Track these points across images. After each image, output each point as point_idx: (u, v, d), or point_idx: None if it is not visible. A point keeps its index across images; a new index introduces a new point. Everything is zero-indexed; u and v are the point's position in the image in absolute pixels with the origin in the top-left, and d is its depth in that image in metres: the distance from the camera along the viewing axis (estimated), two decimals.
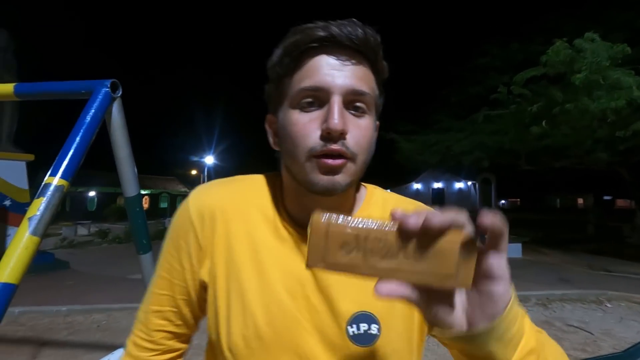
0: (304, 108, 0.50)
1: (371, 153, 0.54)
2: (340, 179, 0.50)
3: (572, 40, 6.15)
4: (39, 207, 0.97)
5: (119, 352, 1.33)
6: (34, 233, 0.95)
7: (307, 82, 0.49)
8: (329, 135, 0.48)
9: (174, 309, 0.57)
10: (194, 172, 44.00)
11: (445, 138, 11.07)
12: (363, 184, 0.64)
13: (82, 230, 14.21)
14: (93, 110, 1.17)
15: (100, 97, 1.20)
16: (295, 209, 0.56)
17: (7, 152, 6.43)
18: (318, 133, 0.49)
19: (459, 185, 37.12)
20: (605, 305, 4.64)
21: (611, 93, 6.01)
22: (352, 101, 0.50)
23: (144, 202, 34.18)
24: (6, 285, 0.88)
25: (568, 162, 10.61)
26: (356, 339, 0.52)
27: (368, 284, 0.45)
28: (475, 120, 9.41)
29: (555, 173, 13.43)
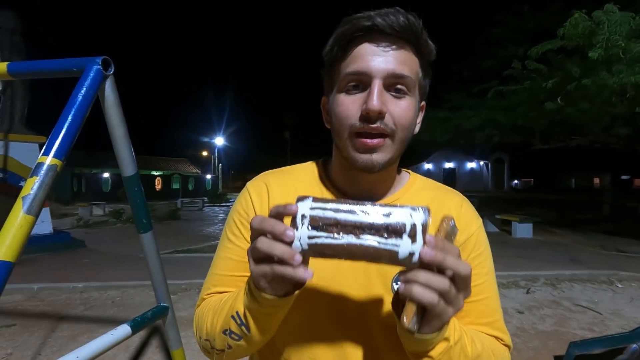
0: (349, 91, 0.56)
1: (412, 132, 0.59)
2: (378, 157, 0.56)
3: (592, 11, 5.81)
4: (32, 186, 0.98)
5: (122, 328, 1.37)
6: (28, 212, 0.95)
7: (352, 68, 0.55)
8: (367, 115, 0.53)
9: None
10: (204, 153, 44.48)
11: (456, 116, 10.80)
12: (407, 170, 0.71)
13: (97, 211, 14.60)
14: (84, 89, 1.15)
15: (91, 74, 1.18)
16: (341, 180, 0.65)
17: (19, 134, 6.55)
18: (358, 112, 0.54)
19: (470, 165, 36.55)
20: (616, 286, 4.58)
21: (632, 67, 5.71)
22: (392, 84, 0.54)
23: (157, 184, 34.85)
24: (3, 263, 0.89)
25: (584, 140, 10.28)
26: None
27: None
28: (487, 96, 9.13)
29: (570, 152, 13.07)
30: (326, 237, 0.40)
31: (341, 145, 0.58)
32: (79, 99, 1.13)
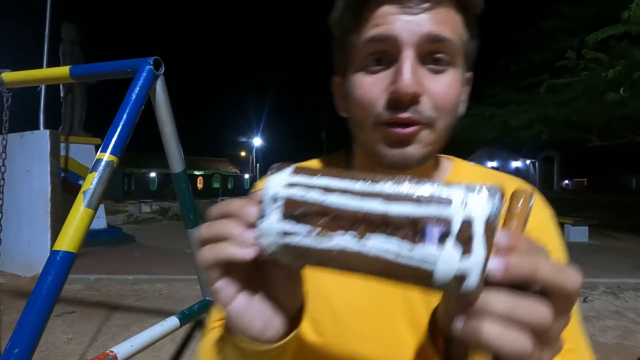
0: (369, 67, 0.41)
1: (457, 114, 0.44)
2: (413, 150, 0.41)
3: None
4: (92, 181, 1.03)
5: (171, 320, 1.42)
6: (88, 205, 1.00)
7: (370, 34, 0.40)
8: (397, 101, 0.39)
9: None
10: (243, 153, 45.93)
11: (502, 112, 10.22)
12: (446, 156, 0.55)
13: (145, 208, 15.53)
14: (138, 88, 1.20)
15: (144, 74, 1.23)
16: None
17: (78, 136, 7.12)
18: (384, 96, 0.40)
19: (516, 164, 34.55)
20: None
21: None
22: (430, 52, 0.40)
23: (198, 183, 36.48)
24: (66, 254, 0.95)
25: None
26: None
27: None
28: (538, 91, 8.52)
29: (630, 149, 11.89)
30: (306, 235, 0.25)
31: (363, 139, 0.45)
32: (133, 98, 1.18)
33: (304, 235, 0.25)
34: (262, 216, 0.27)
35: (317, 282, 0.46)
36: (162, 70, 1.31)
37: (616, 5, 6.04)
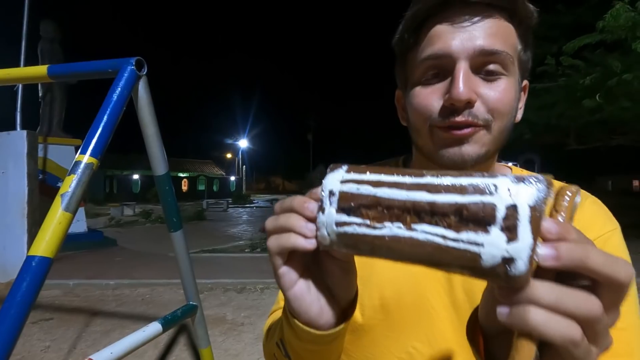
0: (427, 81, 0.45)
1: (512, 119, 0.46)
2: (469, 149, 0.43)
3: (635, 1, 5.46)
4: (70, 184, 1.00)
5: (154, 325, 1.39)
6: (66, 209, 0.97)
7: (427, 52, 0.44)
8: (452, 107, 0.42)
9: None
10: (229, 155, 45.49)
11: None
12: (508, 165, 0.58)
13: (127, 211, 15.18)
14: (119, 89, 1.17)
15: (125, 75, 1.20)
16: None
17: (57, 137, 6.91)
18: (439, 104, 0.44)
19: None
20: None
21: None
22: (482, 64, 0.43)
23: (183, 185, 35.90)
24: (42, 259, 0.91)
25: (626, 140, 9.69)
26: None
27: None
28: None
29: (607, 152, 12.34)
30: (359, 225, 0.27)
31: (421, 143, 0.48)
32: (114, 99, 1.15)
33: (357, 225, 0.27)
34: (321, 210, 0.30)
35: (371, 269, 0.50)
36: (145, 70, 1.29)
37: (592, 14, 6.27)
